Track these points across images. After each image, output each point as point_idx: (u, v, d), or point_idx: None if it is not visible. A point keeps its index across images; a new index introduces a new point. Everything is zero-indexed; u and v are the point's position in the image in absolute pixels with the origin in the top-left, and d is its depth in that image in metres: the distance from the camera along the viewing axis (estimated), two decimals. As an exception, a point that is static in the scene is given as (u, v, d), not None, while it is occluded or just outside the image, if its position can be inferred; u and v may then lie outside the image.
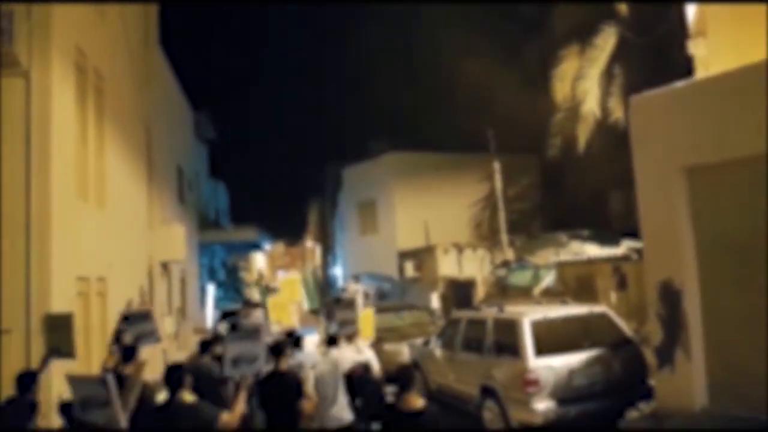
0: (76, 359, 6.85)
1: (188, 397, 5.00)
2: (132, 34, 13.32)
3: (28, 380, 5.75)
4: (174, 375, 5.00)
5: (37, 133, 7.82)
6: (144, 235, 13.54)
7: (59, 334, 6.30)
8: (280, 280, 21.13)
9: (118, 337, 6.90)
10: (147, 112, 14.08)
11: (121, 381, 5.00)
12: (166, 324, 14.67)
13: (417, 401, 4.71)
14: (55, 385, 7.64)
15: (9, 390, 7.18)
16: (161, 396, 5.35)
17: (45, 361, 6.49)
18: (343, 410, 6.77)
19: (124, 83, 12.24)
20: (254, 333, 6.31)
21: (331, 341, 7.67)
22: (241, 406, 5.27)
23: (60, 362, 6.84)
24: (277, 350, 6.62)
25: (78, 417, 4.44)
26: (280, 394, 6.43)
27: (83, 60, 9.55)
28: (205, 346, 8.22)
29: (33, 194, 7.71)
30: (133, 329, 6.99)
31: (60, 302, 7.92)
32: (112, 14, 11.39)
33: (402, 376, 4.79)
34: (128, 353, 6.61)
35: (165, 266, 15.01)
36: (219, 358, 7.16)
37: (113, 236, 10.92)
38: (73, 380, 4.53)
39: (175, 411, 4.95)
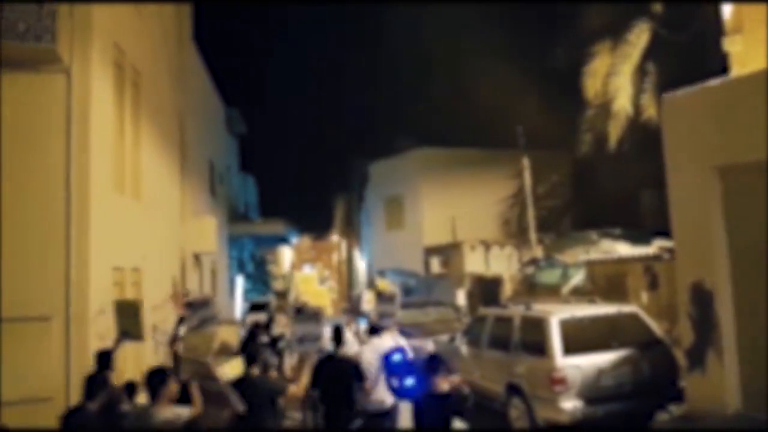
0: (144, 341, 7.38)
1: (256, 371, 5.94)
2: (167, 31, 13.56)
3: (105, 358, 6.51)
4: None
5: (78, 128, 8.02)
6: (177, 227, 13.80)
7: (129, 318, 6.79)
8: (304, 275, 21.37)
9: (181, 321, 7.43)
10: (181, 107, 14.32)
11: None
12: (197, 315, 14.95)
13: (444, 385, 5.17)
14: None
15: (54, 371, 7.50)
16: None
17: (118, 342, 6.92)
18: (384, 394, 7.01)
19: (159, 79, 12.47)
20: (316, 316, 7.88)
21: (373, 331, 8.18)
22: (306, 379, 6.18)
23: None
24: (338, 336, 7.34)
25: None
26: (339, 375, 7.02)
27: (121, 57, 9.76)
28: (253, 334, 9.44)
29: (73, 187, 7.91)
30: (197, 314, 7.59)
31: (97, 291, 8.15)
32: (148, 11, 11.61)
33: (431, 362, 5.30)
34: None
35: (197, 258, 15.28)
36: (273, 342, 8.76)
37: (148, 228, 11.16)
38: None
39: (249, 382, 5.77)
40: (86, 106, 8.12)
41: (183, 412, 4.79)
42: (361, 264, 36.11)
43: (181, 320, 7.44)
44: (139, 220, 10.62)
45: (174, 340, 6.97)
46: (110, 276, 8.89)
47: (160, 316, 11.53)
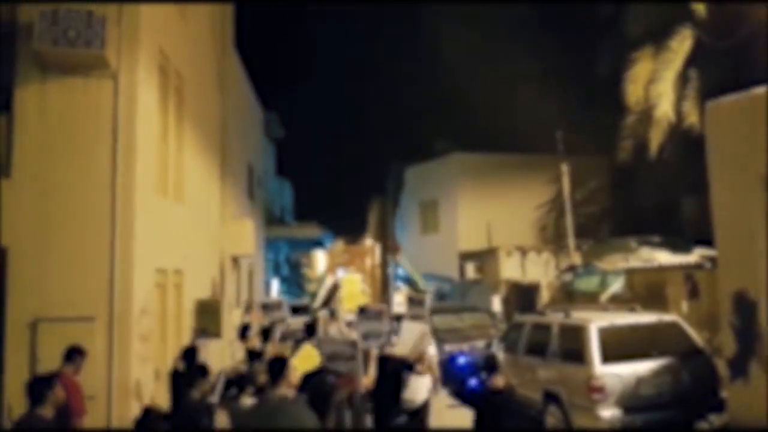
0: (221, 338, 7.81)
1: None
2: (209, 36, 13.84)
3: (191, 353, 7.45)
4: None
5: (124, 132, 8.22)
6: (217, 229, 14.04)
7: (209, 317, 7.22)
8: (341, 279, 21.53)
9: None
10: (222, 111, 14.59)
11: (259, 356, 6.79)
12: (234, 316, 15.18)
13: (500, 382, 6.24)
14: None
15: (97, 370, 7.69)
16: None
17: (197, 338, 7.30)
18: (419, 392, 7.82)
19: (201, 84, 12.73)
20: (379, 314, 8.90)
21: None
22: (373, 371, 6.96)
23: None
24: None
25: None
26: (391, 372, 7.83)
27: (166, 62, 10.01)
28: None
29: (118, 190, 8.10)
30: (269, 315, 8.39)
31: (140, 292, 8.35)
32: (191, 17, 11.86)
33: (488, 362, 6.66)
34: (265, 335, 9.50)
35: (235, 260, 15.52)
36: None
37: (189, 230, 11.39)
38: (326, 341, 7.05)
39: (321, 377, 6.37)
40: (132, 111, 8.32)
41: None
42: (396, 268, 36.13)
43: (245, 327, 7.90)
44: (181, 222, 10.84)
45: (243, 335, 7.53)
46: (153, 277, 9.09)
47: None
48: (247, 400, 5.89)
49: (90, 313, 7.89)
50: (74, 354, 6.80)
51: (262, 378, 5.87)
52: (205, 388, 5.97)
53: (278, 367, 5.00)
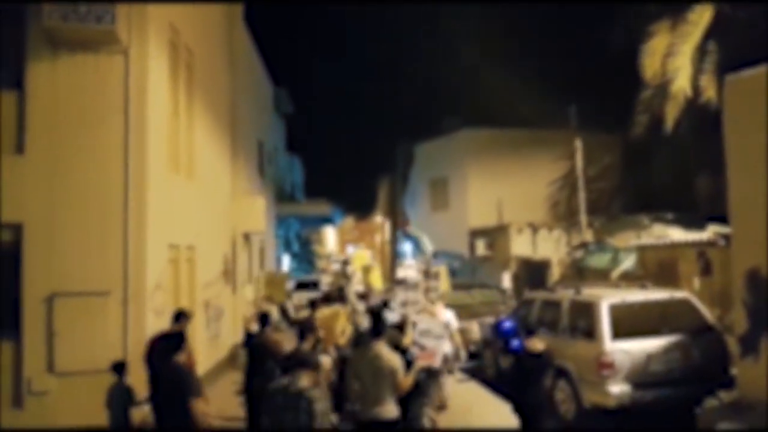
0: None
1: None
2: (219, 11, 13.75)
3: (264, 317, 8.20)
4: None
5: (135, 108, 8.25)
6: (228, 206, 14.09)
7: (274, 286, 8.08)
8: (352, 254, 21.61)
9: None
10: (232, 87, 14.55)
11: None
12: (246, 291, 15.31)
13: (538, 345, 6.88)
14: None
15: (112, 344, 7.80)
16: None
17: (266, 303, 7.97)
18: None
19: (211, 59, 12.69)
20: (415, 286, 10.92)
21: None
22: (411, 334, 7.38)
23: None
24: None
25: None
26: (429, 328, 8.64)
27: (176, 37, 9.97)
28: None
29: (131, 166, 8.16)
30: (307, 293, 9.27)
31: (154, 268, 8.44)
32: (201, -8, 11.78)
33: (527, 326, 7.45)
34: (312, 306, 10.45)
35: (246, 237, 15.60)
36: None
37: (201, 207, 11.44)
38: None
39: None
40: (143, 87, 8.32)
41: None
42: (406, 245, 36.19)
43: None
44: (193, 199, 10.89)
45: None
46: (166, 253, 9.17)
47: (212, 293, 11.87)
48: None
49: (105, 288, 8.01)
50: (182, 316, 7.38)
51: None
52: (311, 339, 6.77)
53: (379, 324, 6.23)
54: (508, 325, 8.56)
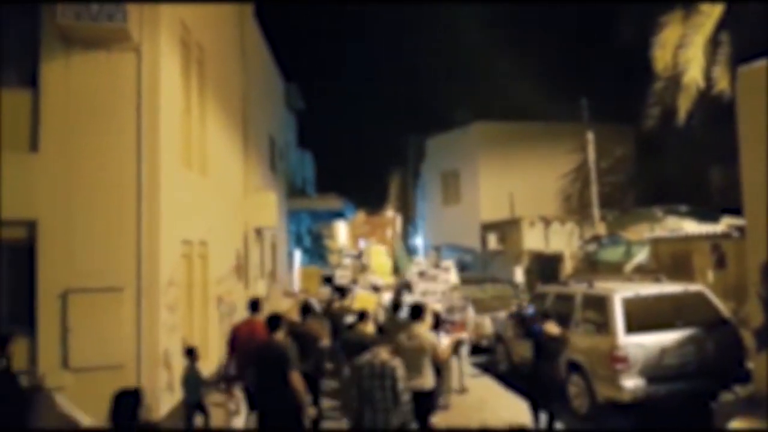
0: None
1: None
2: (229, 8, 13.77)
3: (307, 306, 8.86)
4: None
5: (147, 105, 8.28)
6: (240, 201, 14.14)
7: (310, 280, 9.17)
8: (366, 249, 21.65)
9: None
10: (243, 83, 14.58)
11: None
12: (258, 286, 15.37)
13: (554, 329, 7.97)
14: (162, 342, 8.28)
15: (126, 339, 7.87)
16: None
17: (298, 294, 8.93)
18: None
19: (223, 56, 12.72)
20: (435, 277, 12.25)
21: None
22: (429, 319, 7.68)
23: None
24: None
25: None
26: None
27: (187, 34, 10.00)
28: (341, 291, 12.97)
29: (144, 163, 8.20)
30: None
31: (167, 263, 8.48)
32: (211, -12, 11.80)
33: (544, 313, 8.65)
34: (342, 292, 13.06)
35: (258, 232, 15.65)
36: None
37: (213, 202, 11.49)
38: (446, 298, 11.85)
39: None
40: (155, 84, 8.35)
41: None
42: (417, 239, 36.19)
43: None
44: (206, 194, 10.94)
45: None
46: (179, 248, 9.22)
47: (224, 288, 11.94)
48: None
49: (118, 284, 8.05)
50: (257, 303, 7.99)
51: None
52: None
53: (418, 308, 7.25)
54: (531, 311, 9.78)
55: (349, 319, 10.20)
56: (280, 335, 6.34)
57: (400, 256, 21.94)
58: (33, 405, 5.78)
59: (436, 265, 14.66)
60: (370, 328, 8.32)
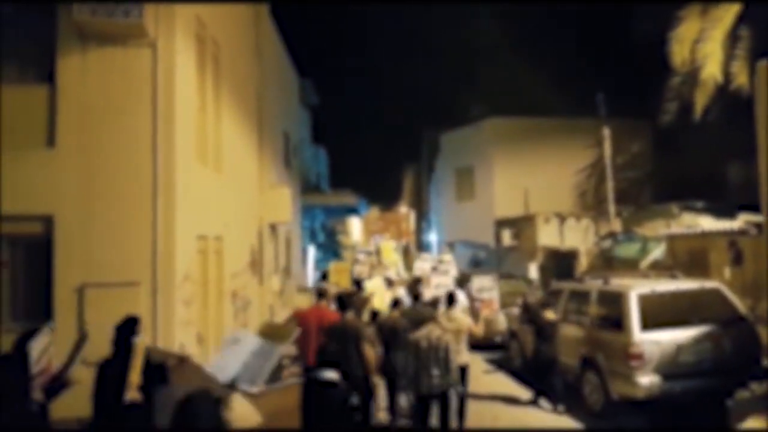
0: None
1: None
2: (244, 4, 13.80)
3: (341, 300, 8.74)
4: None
5: (163, 101, 8.31)
6: (255, 197, 14.20)
7: (341, 274, 12.05)
8: (379, 245, 21.68)
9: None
10: (258, 79, 14.62)
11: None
12: (273, 282, 15.44)
13: (551, 315, 9.72)
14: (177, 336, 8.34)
15: (143, 333, 7.90)
16: None
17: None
18: None
19: (238, 51, 12.75)
20: (447, 271, 14.36)
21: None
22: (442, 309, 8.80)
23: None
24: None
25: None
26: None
27: (203, 30, 10.03)
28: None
29: (159, 159, 8.23)
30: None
31: (183, 259, 8.52)
32: (226, -16, 11.82)
33: (547, 301, 10.32)
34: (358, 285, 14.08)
35: (273, 228, 15.72)
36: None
37: (228, 198, 11.55)
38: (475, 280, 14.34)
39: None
40: (171, 80, 8.38)
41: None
42: (431, 235, 36.17)
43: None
44: (221, 190, 10.99)
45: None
46: (194, 244, 9.27)
47: (239, 283, 12.00)
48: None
49: (135, 279, 8.09)
50: (322, 294, 8.61)
51: None
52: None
53: (452, 298, 8.75)
54: (532, 302, 11.04)
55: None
56: (350, 315, 7.76)
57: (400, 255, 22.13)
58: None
59: (440, 261, 16.58)
60: (395, 314, 9.07)
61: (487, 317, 13.37)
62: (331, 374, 6.08)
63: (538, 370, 9.78)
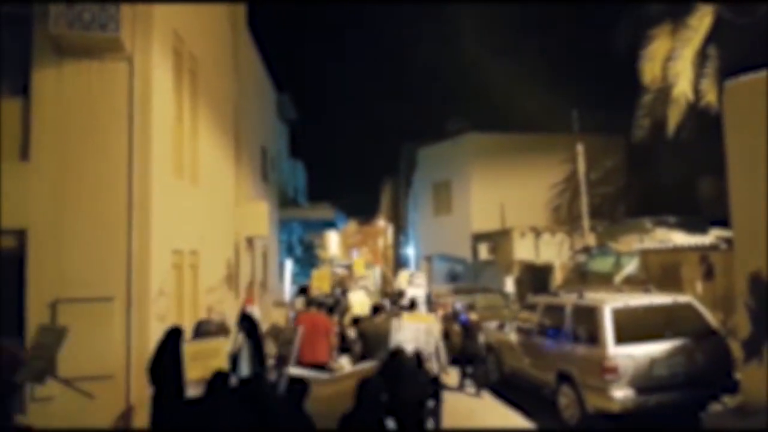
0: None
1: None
2: (222, 17, 13.81)
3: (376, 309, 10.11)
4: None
5: (139, 115, 8.26)
6: (231, 211, 14.13)
7: (322, 281, 13.89)
8: (355, 260, 21.70)
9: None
10: (236, 93, 14.60)
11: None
12: (249, 296, 15.32)
13: (475, 317, 12.18)
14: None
15: (116, 350, 7.82)
16: None
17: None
18: None
19: (215, 66, 12.74)
20: (420, 285, 15.03)
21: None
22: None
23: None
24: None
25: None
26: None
27: (180, 44, 10.01)
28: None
29: (135, 172, 8.16)
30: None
31: (158, 273, 8.44)
32: (204, -1, 11.83)
33: (470, 306, 13.61)
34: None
35: (250, 241, 15.63)
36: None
37: (205, 212, 11.47)
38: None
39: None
40: (147, 93, 8.34)
41: None
42: (408, 249, 36.20)
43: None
44: (197, 204, 10.92)
45: None
46: (170, 258, 9.19)
47: (215, 298, 11.89)
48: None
49: (108, 294, 7.99)
50: (311, 301, 10.54)
51: None
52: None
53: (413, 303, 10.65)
54: (460, 306, 13.50)
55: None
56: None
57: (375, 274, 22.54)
58: None
59: (414, 276, 17.21)
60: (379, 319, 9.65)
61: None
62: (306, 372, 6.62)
63: (464, 362, 11.70)
